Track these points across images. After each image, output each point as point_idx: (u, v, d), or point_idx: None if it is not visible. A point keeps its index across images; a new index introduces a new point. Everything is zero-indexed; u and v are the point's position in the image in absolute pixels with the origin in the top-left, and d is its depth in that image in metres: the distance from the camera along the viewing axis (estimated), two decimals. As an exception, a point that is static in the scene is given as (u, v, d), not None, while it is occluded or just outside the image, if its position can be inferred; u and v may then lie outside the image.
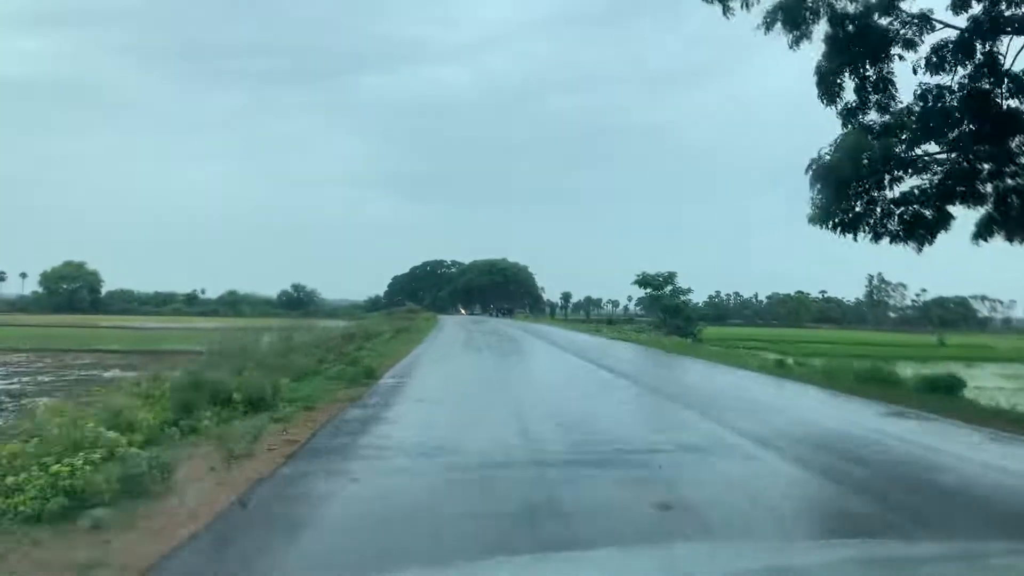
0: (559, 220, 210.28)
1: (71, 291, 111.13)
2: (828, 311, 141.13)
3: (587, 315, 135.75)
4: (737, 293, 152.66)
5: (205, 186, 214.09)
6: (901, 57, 14.16)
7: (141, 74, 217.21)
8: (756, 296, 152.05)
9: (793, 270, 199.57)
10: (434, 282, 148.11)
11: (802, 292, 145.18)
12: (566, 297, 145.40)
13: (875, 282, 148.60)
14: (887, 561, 2.09)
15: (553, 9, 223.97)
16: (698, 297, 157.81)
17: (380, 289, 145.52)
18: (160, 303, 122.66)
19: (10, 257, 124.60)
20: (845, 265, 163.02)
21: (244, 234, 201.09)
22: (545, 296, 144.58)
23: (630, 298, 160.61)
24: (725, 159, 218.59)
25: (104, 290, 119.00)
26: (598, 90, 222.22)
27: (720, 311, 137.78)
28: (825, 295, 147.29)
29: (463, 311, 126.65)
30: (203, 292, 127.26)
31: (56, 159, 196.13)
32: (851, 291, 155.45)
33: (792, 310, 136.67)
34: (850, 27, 13.94)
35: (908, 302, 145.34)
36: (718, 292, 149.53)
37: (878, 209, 14.71)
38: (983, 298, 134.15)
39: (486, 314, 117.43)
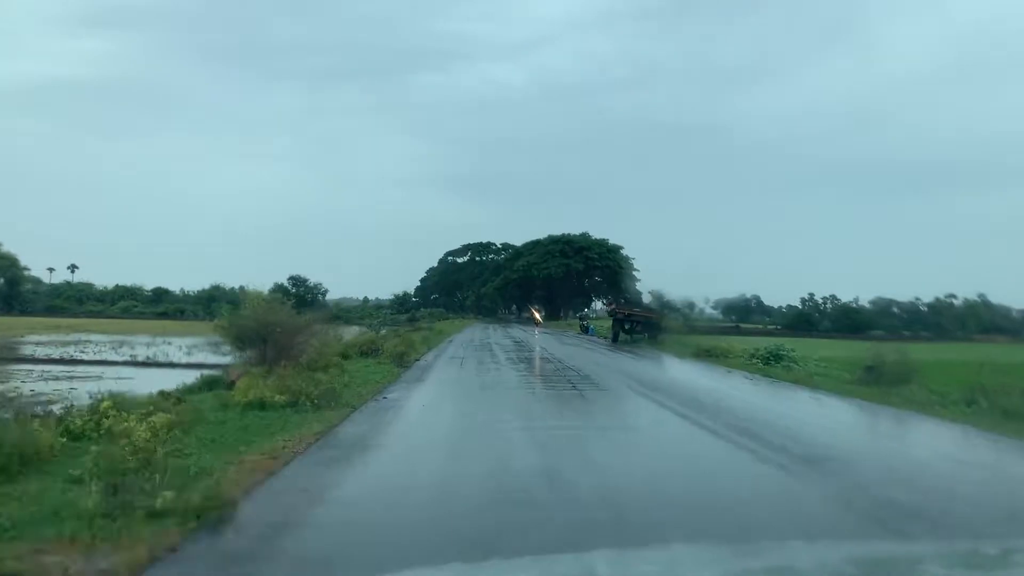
0: (620, 218, 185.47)
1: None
2: (996, 321, 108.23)
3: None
4: (834, 296, 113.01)
5: (248, 184, 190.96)
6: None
7: (190, 73, 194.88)
8: (856, 300, 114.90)
9: (892, 272, 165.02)
10: (478, 273, 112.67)
11: (953, 296, 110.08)
12: (658, 297, 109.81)
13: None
14: (885, 561, 2.19)
15: (613, 4, 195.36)
16: (780, 300, 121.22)
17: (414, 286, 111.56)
18: (114, 300, 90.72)
19: None
20: (1001, 267, 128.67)
21: (285, 233, 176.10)
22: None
23: (707, 300, 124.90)
24: (810, 154, 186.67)
25: (51, 281, 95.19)
26: (659, 87, 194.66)
27: (851, 319, 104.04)
28: (983, 298, 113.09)
29: (537, 317, 79.26)
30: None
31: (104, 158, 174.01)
32: (1004, 294, 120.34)
33: (958, 318, 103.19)
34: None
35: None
36: (811, 295, 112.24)
37: None
38: None
39: (575, 326, 63.38)
